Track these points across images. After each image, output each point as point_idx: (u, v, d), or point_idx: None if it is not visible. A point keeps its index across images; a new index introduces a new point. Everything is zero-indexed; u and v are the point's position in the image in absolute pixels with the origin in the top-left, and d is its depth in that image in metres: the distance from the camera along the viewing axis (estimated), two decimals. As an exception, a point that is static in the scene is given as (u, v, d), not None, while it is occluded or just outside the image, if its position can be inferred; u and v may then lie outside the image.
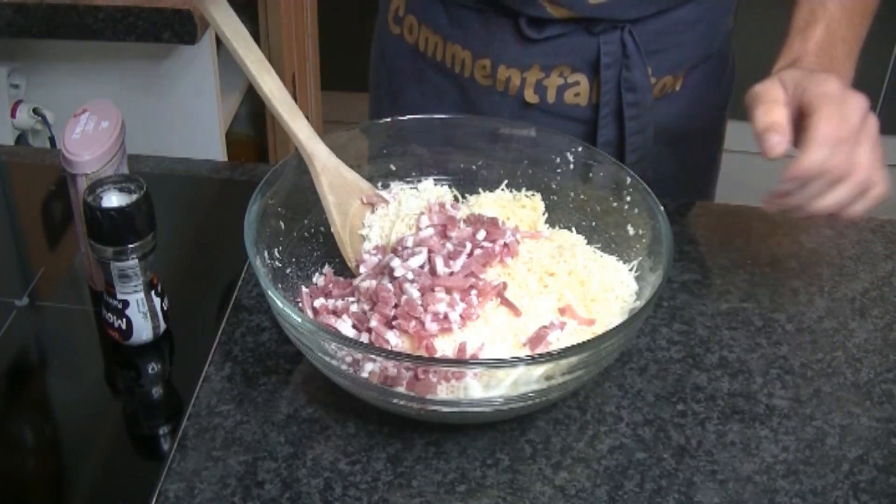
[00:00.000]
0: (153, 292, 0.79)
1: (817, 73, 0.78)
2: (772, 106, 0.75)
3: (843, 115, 0.75)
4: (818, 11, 0.85)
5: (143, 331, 0.80)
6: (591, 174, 0.85)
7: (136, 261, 0.76)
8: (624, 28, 0.96)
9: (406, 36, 1.07)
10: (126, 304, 0.78)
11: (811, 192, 0.76)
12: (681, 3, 0.98)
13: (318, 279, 0.82)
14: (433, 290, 0.73)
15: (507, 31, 0.98)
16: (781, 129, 0.74)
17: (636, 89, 0.99)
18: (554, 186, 0.87)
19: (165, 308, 0.81)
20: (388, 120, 0.88)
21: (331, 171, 0.80)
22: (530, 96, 1.01)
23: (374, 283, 0.75)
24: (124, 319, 0.79)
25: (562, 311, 0.75)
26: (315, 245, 0.84)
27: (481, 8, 0.99)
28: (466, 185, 0.89)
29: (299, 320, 0.68)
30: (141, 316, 0.79)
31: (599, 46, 0.97)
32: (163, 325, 0.81)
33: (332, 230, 0.82)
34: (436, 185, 0.88)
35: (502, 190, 0.87)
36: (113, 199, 0.76)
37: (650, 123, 1.01)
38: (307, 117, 0.81)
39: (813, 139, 0.74)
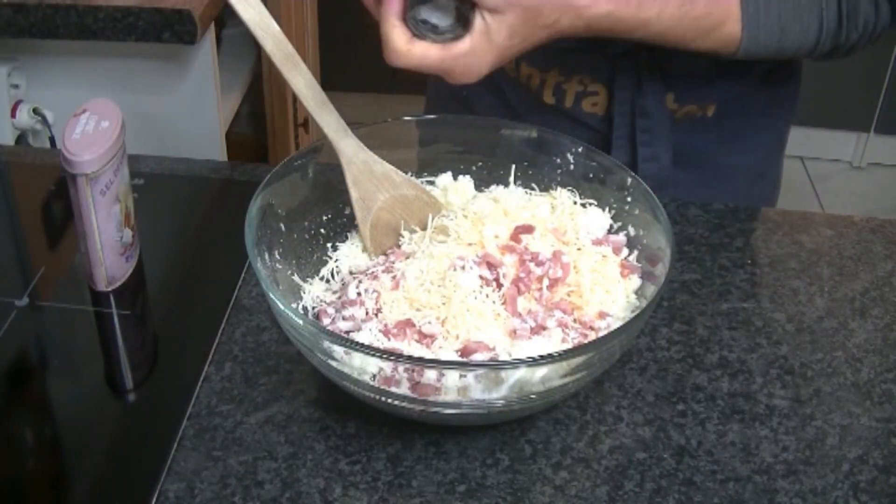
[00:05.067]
0: None
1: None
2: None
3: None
4: None
5: None
6: (591, 175, 0.85)
7: None
8: (640, 55, 0.95)
9: None
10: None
11: None
12: None
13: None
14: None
15: None
16: None
17: (649, 115, 0.98)
18: (554, 187, 0.86)
19: None
20: (387, 121, 0.88)
21: (357, 166, 0.80)
22: (548, 97, 1.01)
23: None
24: None
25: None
26: (315, 246, 0.84)
27: None
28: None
29: (300, 322, 0.68)
30: None
31: (614, 69, 0.97)
32: None
33: (356, 223, 0.82)
34: (455, 178, 0.88)
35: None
36: None
37: (667, 152, 1.00)
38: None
39: None
